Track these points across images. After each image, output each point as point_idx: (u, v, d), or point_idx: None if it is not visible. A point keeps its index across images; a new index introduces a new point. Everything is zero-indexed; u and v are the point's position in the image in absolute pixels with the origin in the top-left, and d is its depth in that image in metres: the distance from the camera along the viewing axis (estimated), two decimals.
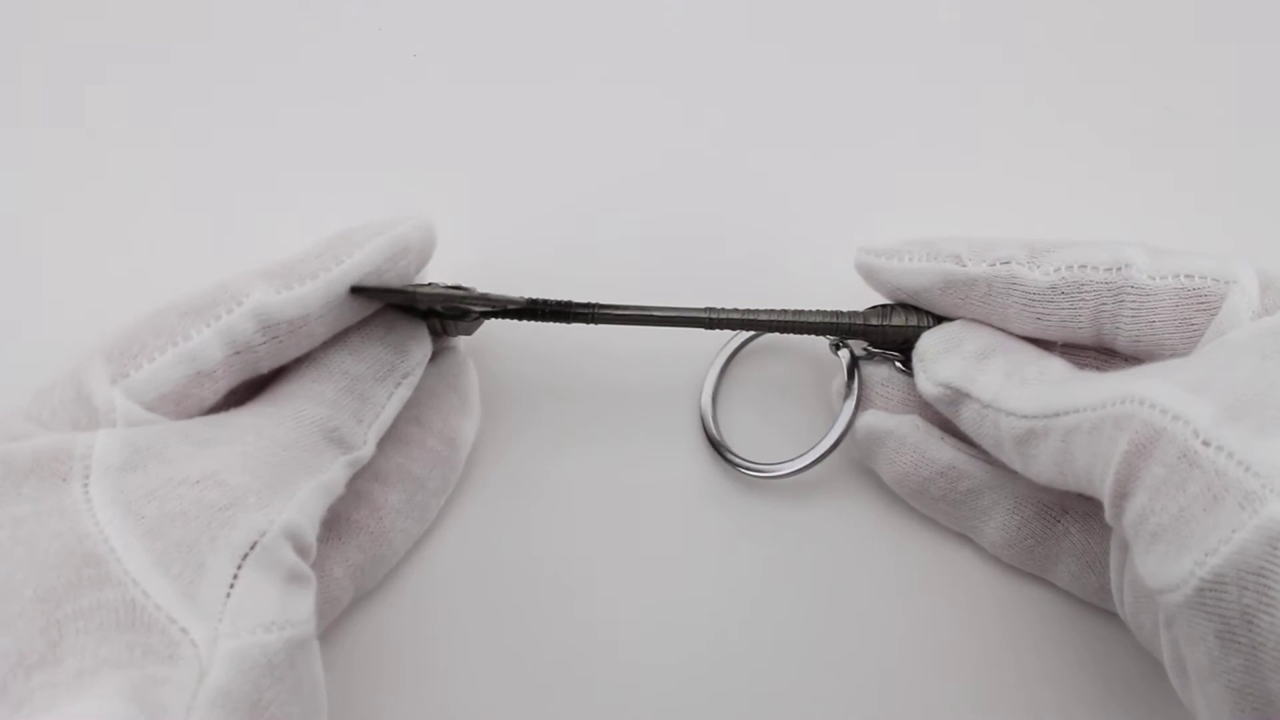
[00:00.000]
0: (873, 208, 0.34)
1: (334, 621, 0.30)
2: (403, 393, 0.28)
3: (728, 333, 0.32)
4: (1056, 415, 0.24)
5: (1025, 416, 0.25)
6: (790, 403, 0.32)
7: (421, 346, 0.28)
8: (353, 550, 0.29)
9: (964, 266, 0.27)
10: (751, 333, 0.32)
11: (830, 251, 0.31)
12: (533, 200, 0.34)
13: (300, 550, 0.24)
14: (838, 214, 0.33)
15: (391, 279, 0.27)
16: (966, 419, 0.27)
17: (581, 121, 0.35)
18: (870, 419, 0.30)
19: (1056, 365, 0.27)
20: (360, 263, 0.26)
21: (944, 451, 0.29)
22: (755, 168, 0.34)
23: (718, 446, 0.31)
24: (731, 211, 0.34)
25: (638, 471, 0.31)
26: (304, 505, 0.24)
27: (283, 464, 0.24)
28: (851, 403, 0.30)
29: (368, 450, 0.27)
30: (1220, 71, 0.35)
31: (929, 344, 0.28)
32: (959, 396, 0.27)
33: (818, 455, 0.30)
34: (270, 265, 0.26)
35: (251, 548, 0.22)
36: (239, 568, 0.22)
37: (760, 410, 0.32)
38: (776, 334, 0.30)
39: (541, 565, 0.31)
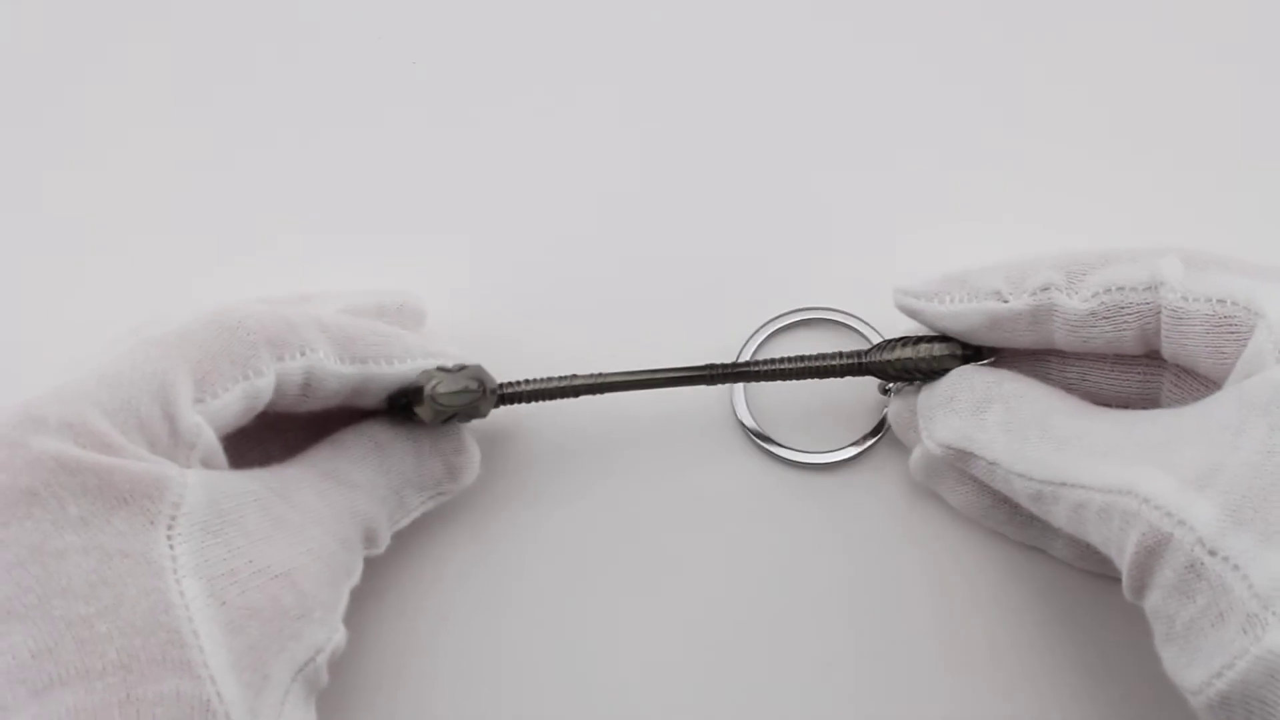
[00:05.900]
0: (898, 228, 0.33)
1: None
2: (433, 504, 0.29)
3: (758, 318, 0.32)
4: (1064, 485, 0.24)
5: (1033, 479, 0.25)
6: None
7: (470, 472, 0.29)
8: None
9: (1006, 302, 0.26)
10: (789, 317, 0.32)
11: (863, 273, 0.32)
12: (536, 229, 0.33)
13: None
14: (865, 235, 0.33)
15: (402, 363, 0.27)
16: (979, 473, 0.27)
17: (585, 148, 0.34)
18: (923, 453, 0.29)
19: (1058, 416, 0.26)
20: (402, 372, 0.27)
21: None
22: (778, 187, 0.33)
23: (753, 434, 0.30)
24: (755, 236, 0.33)
25: (677, 470, 0.31)
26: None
27: (337, 569, 0.25)
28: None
29: (382, 549, 0.27)
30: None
31: (924, 403, 0.28)
32: (963, 456, 0.26)
33: (846, 455, 0.30)
34: (333, 320, 0.26)
35: (306, 664, 0.23)
36: (293, 681, 0.22)
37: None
38: (812, 320, 0.32)
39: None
